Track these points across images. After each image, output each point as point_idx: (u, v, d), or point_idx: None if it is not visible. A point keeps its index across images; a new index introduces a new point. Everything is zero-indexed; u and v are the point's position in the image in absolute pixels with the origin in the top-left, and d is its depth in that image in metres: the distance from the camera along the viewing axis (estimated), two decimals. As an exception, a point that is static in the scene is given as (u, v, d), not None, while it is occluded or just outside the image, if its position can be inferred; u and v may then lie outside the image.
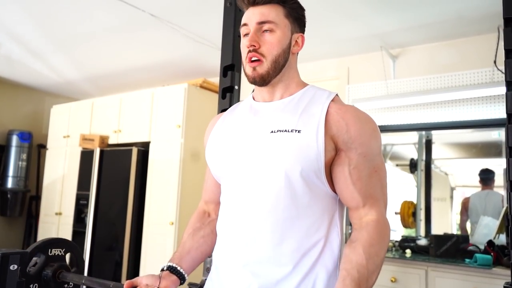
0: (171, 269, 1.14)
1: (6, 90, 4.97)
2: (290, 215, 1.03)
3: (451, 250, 2.83)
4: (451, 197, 3.92)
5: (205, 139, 1.28)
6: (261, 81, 1.10)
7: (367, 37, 3.22)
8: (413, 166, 3.75)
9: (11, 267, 1.25)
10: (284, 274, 1.02)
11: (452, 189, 3.98)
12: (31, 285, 1.27)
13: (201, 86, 3.89)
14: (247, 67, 1.11)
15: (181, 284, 1.16)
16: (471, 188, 3.66)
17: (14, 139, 4.84)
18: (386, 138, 3.78)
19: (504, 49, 1.47)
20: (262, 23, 1.09)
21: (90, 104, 4.57)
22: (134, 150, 3.89)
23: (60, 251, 1.35)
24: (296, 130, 1.04)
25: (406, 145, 3.94)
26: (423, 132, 3.55)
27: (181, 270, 1.15)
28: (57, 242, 1.36)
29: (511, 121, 1.45)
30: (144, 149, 3.94)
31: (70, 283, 1.36)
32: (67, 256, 1.38)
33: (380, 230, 1.02)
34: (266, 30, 1.10)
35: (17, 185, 4.84)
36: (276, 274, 1.02)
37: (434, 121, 3.20)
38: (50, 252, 1.32)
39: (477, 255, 2.58)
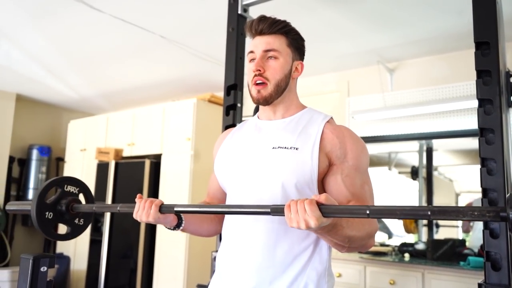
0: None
1: (27, 107, 5.18)
2: (285, 222, 1.15)
3: (447, 253, 2.96)
4: (456, 202, 4.02)
5: (214, 152, 1.40)
6: (264, 102, 1.24)
7: (365, 52, 3.39)
8: (414, 173, 3.86)
9: (41, 269, 1.42)
10: (277, 275, 1.14)
11: (457, 195, 4.08)
12: (46, 213, 1.37)
13: (209, 101, 4.07)
14: (252, 89, 1.25)
15: (176, 227, 1.26)
16: (476, 194, 3.76)
17: (34, 153, 5.04)
18: (390, 147, 3.91)
19: (476, 70, 1.64)
20: (267, 51, 1.23)
21: (105, 119, 4.77)
22: (147, 162, 4.06)
23: (75, 189, 1.46)
24: (294, 148, 1.18)
25: (410, 153, 4.05)
26: (424, 141, 3.67)
27: (181, 215, 1.27)
28: (72, 180, 1.46)
29: (483, 135, 1.60)
30: (156, 161, 4.11)
31: (80, 220, 1.47)
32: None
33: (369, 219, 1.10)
34: (270, 57, 1.24)
35: (37, 196, 5.03)
36: (270, 275, 1.15)
37: (430, 130, 3.34)
38: (66, 188, 1.43)
39: (470, 258, 2.71)
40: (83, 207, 1.42)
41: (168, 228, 1.28)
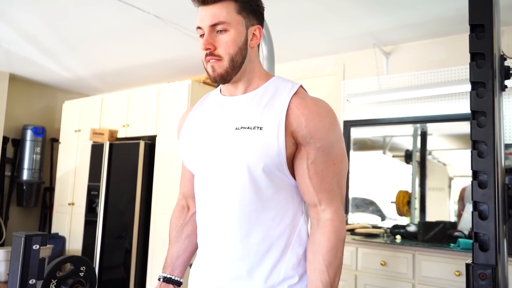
0: (167, 280, 1.26)
1: (21, 87, 5.15)
2: (256, 208, 1.08)
3: (438, 235, 3.00)
4: (449, 186, 4.05)
5: (177, 132, 1.31)
6: (221, 80, 1.11)
7: (361, 35, 3.37)
8: (408, 157, 3.88)
9: (33, 247, 1.43)
10: (254, 265, 1.09)
11: (450, 179, 4.10)
12: None
13: (204, 82, 4.05)
14: (208, 67, 1.11)
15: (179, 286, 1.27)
16: (469, 178, 3.78)
17: (29, 134, 5.01)
18: (384, 130, 3.92)
19: (470, 52, 1.64)
20: (214, 25, 1.08)
21: (99, 100, 4.75)
22: (142, 144, 4.06)
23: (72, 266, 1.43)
24: (258, 127, 1.07)
25: (405, 137, 4.06)
26: (418, 125, 3.69)
27: (176, 278, 1.27)
28: (68, 260, 1.44)
29: (474, 117, 1.62)
30: (151, 142, 4.10)
31: None
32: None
33: (335, 230, 1.07)
34: (220, 31, 1.08)
35: (32, 177, 5.02)
36: (246, 265, 1.09)
37: (425, 114, 3.35)
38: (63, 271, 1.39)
39: (460, 240, 2.75)
40: None
41: None
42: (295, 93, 1.11)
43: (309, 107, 1.09)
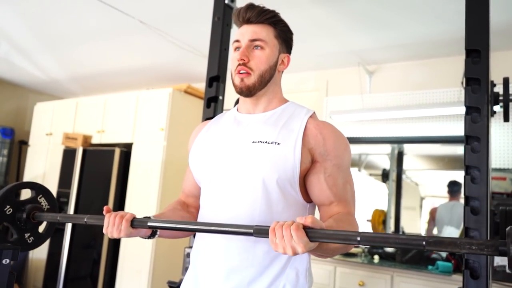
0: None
1: (-11, 85, 4.95)
2: (265, 220, 1.10)
3: (416, 257, 3.00)
4: (421, 206, 4.09)
5: (189, 145, 1.35)
6: (247, 91, 1.19)
7: (345, 53, 3.38)
8: (385, 176, 3.90)
9: (3, 261, 1.31)
10: (256, 276, 1.10)
11: (422, 198, 4.15)
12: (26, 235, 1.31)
13: (185, 92, 3.97)
14: (236, 78, 1.19)
15: (151, 237, 1.21)
16: (439, 199, 3.83)
17: (-4, 135, 4.82)
18: (361, 148, 3.93)
19: (465, 77, 1.63)
20: (253, 40, 1.19)
21: (74, 103, 4.59)
22: (117, 151, 3.94)
23: (31, 193, 1.37)
24: (276, 143, 1.13)
25: (380, 155, 4.10)
26: (396, 144, 3.71)
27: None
28: (26, 186, 1.37)
29: (468, 142, 1.60)
30: (126, 150, 3.98)
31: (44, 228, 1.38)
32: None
33: (350, 220, 1.09)
34: (256, 46, 1.19)
35: (-3, 180, 4.80)
36: (248, 276, 1.10)
37: (405, 135, 3.38)
38: (20, 197, 1.33)
39: (439, 262, 2.76)
40: (45, 216, 1.34)
41: (142, 238, 1.22)
42: (311, 116, 1.22)
43: (327, 127, 1.19)
